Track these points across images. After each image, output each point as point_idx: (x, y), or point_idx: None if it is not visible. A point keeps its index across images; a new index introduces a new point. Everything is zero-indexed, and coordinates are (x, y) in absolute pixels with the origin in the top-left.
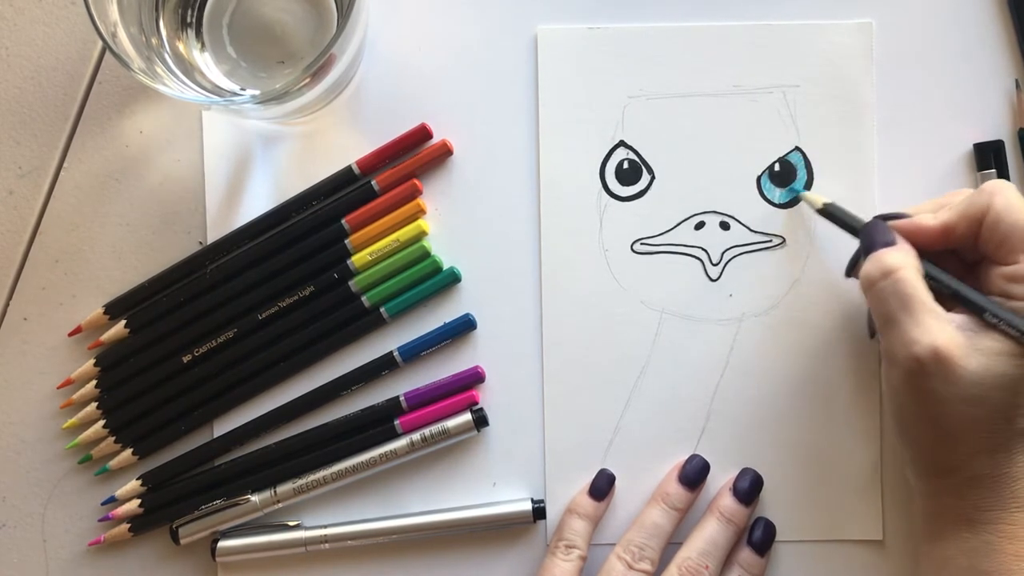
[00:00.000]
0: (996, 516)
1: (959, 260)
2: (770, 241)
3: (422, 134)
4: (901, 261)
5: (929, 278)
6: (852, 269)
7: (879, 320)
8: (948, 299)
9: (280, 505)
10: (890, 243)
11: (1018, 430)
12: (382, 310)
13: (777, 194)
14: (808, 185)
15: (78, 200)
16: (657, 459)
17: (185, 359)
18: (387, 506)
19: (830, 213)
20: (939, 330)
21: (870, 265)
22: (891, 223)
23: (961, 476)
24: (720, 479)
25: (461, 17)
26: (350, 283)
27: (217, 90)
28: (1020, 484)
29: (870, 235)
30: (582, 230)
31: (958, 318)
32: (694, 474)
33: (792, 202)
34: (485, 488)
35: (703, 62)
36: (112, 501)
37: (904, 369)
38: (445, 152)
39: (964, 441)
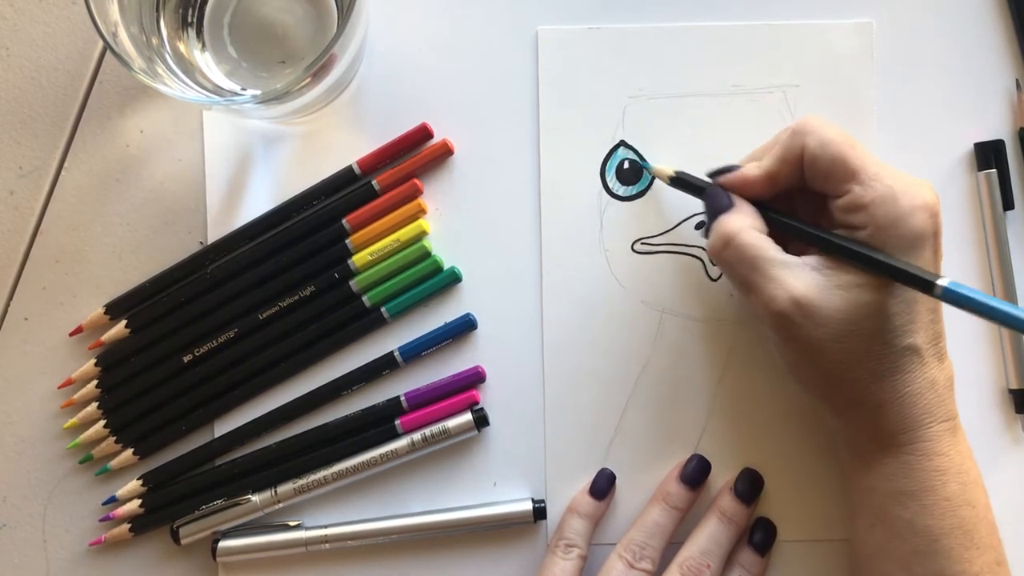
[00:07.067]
0: (911, 436)
1: (813, 195)
2: None
3: (423, 134)
4: (736, 225)
5: (777, 226)
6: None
7: (738, 288)
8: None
9: (281, 505)
10: (726, 208)
11: (902, 349)
12: (383, 310)
13: None
14: None
15: (78, 200)
16: (657, 459)
17: (186, 359)
18: (388, 506)
19: (682, 181)
20: (793, 280)
21: (712, 238)
22: (721, 179)
23: (867, 406)
24: (720, 479)
25: (461, 17)
26: (351, 283)
27: (218, 90)
28: (926, 399)
29: (709, 204)
30: (582, 230)
31: (812, 259)
32: (695, 474)
33: None
34: (486, 488)
35: (703, 62)
36: (113, 501)
37: (773, 326)
38: (446, 152)
39: (855, 375)
